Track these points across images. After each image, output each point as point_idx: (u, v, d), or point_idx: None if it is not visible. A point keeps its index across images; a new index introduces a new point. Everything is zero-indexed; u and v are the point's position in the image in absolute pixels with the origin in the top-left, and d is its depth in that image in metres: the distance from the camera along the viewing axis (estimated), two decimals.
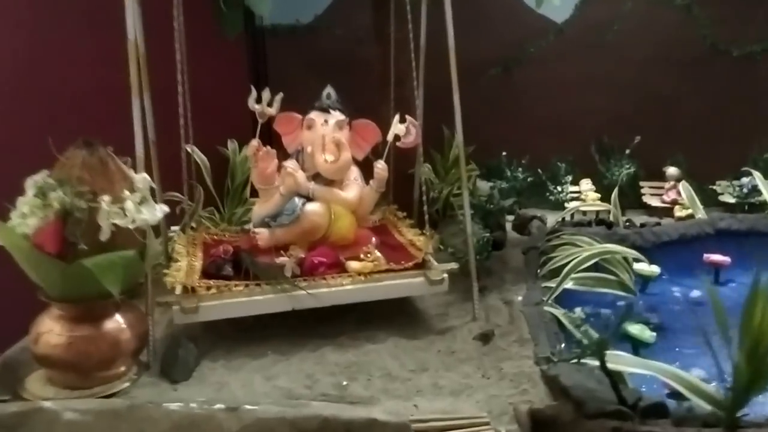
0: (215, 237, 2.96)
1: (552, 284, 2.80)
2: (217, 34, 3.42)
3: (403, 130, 2.77)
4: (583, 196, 4.27)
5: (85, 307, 1.99)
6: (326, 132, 2.72)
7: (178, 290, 2.31)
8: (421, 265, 2.60)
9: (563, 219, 3.92)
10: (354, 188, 2.78)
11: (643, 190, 4.41)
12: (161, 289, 2.36)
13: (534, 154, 4.42)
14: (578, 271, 2.79)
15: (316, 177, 2.74)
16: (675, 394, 1.91)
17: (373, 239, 2.66)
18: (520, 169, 4.36)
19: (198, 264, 2.57)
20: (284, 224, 2.61)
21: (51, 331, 1.97)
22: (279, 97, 2.74)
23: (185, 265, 2.52)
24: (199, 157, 3.40)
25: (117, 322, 2.05)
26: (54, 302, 2.00)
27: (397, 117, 2.78)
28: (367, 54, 3.66)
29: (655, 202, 4.26)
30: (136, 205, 1.99)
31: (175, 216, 2.82)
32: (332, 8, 4.41)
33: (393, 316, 2.65)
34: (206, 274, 2.44)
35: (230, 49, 3.78)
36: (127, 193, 1.98)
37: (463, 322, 2.64)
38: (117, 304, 2.01)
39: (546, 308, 2.60)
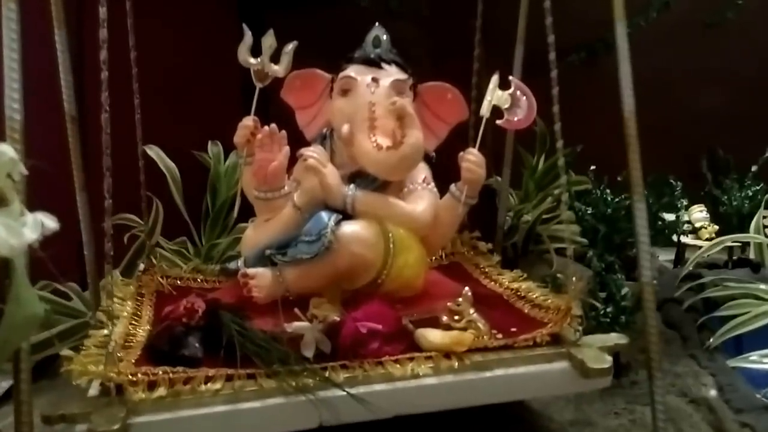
0: (178, 283, 1.85)
1: (745, 365, 1.90)
2: None
3: (508, 99, 1.64)
4: (700, 228, 3.33)
5: None
6: (377, 98, 1.63)
7: (94, 390, 1.26)
8: (558, 338, 1.46)
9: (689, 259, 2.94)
10: (425, 197, 1.66)
11: (766, 221, 3.46)
12: (61, 388, 1.45)
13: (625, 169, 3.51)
14: None
15: (357, 177, 1.65)
16: None
17: (466, 289, 1.50)
18: (608, 189, 3.36)
19: (141, 334, 1.49)
20: (302, 259, 1.53)
21: None
22: (291, 47, 1.71)
23: (115, 338, 1.38)
24: (165, 163, 2.48)
25: None
26: None
27: (495, 78, 1.65)
28: (401, 29, 2.91)
29: None
30: None
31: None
32: None
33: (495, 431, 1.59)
34: (153, 353, 1.36)
35: (214, 20, 2.91)
36: None
37: None
38: None
39: None
